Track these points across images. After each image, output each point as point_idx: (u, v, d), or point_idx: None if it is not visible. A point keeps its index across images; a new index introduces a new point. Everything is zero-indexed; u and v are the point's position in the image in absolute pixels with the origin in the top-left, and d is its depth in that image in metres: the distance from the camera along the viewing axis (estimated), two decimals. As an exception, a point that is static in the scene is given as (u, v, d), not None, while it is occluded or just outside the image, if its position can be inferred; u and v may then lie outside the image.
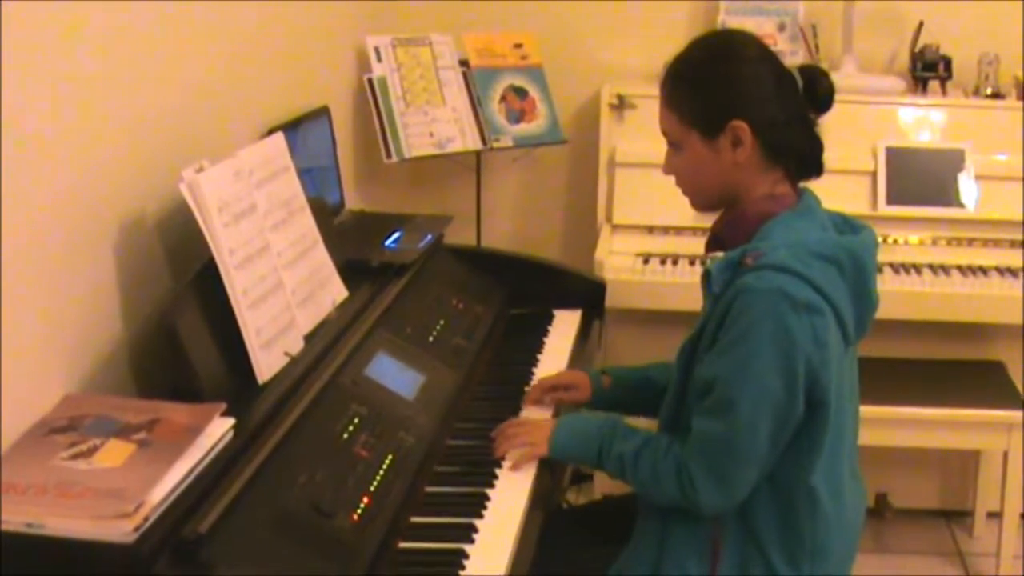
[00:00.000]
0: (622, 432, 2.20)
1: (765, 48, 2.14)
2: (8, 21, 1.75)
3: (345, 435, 2.10)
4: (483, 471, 2.23)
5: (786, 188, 2.13)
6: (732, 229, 2.14)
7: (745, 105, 2.07)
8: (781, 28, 3.74)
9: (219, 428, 1.86)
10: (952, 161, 3.56)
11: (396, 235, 2.93)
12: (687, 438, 2.08)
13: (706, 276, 2.08)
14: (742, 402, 1.98)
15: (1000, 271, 3.43)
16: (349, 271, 2.58)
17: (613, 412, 2.38)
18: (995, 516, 3.52)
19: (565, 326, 2.98)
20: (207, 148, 2.29)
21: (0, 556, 1.59)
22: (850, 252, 2.05)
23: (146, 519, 1.62)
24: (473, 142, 3.61)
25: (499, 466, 2.24)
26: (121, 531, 1.60)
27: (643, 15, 3.86)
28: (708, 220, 2.22)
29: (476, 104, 3.64)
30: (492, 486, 2.18)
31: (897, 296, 3.30)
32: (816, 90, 2.12)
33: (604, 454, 2.19)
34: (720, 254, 2.12)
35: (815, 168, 2.15)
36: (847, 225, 2.17)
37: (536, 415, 2.46)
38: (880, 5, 3.79)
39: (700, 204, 2.20)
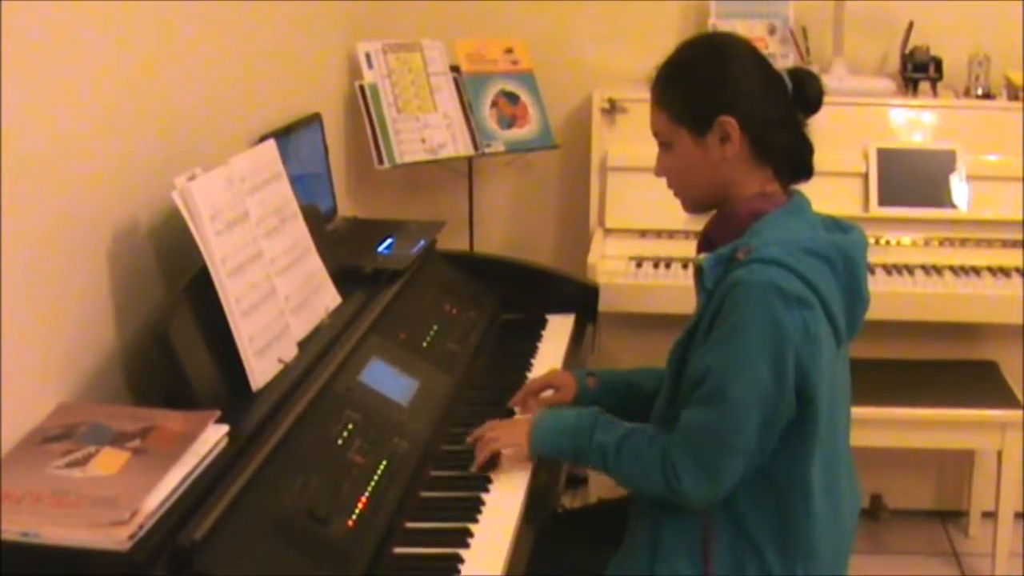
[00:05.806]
0: (603, 423, 2.18)
1: (754, 50, 2.15)
2: (4, 34, 1.75)
3: (340, 441, 2.10)
4: (478, 476, 2.23)
5: (776, 188, 2.14)
6: (723, 227, 2.14)
7: (732, 101, 2.08)
8: (771, 31, 3.74)
9: (213, 435, 1.86)
10: (943, 162, 3.56)
11: (389, 241, 2.93)
12: (673, 429, 2.08)
13: (699, 272, 2.09)
14: (732, 392, 1.98)
15: (992, 271, 3.43)
16: (342, 277, 2.58)
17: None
18: (990, 516, 3.52)
19: (558, 330, 2.98)
20: (199, 156, 2.30)
21: (-3, 565, 1.60)
22: (840, 249, 2.06)
23: (141, 527, 1.63)
24: (465, 148, 3.61)
25: (494, 470, 2.24)
26: (116, 539, 1.60)
27: (633, 19, 3.86)
28: (700, 223, 2.22)
29: (467, 110, 3.64)
30: (487, 490, 2.18)
31: (890, 297, 3.31)
32: (805, 92, 2.13)
33: (585, 445, 2.17)
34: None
35: (804, 170, 2.16)
36: (836, 226, 2.18)
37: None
38: (870, 7, 3.80)
39: (691, 204, 2.20)
